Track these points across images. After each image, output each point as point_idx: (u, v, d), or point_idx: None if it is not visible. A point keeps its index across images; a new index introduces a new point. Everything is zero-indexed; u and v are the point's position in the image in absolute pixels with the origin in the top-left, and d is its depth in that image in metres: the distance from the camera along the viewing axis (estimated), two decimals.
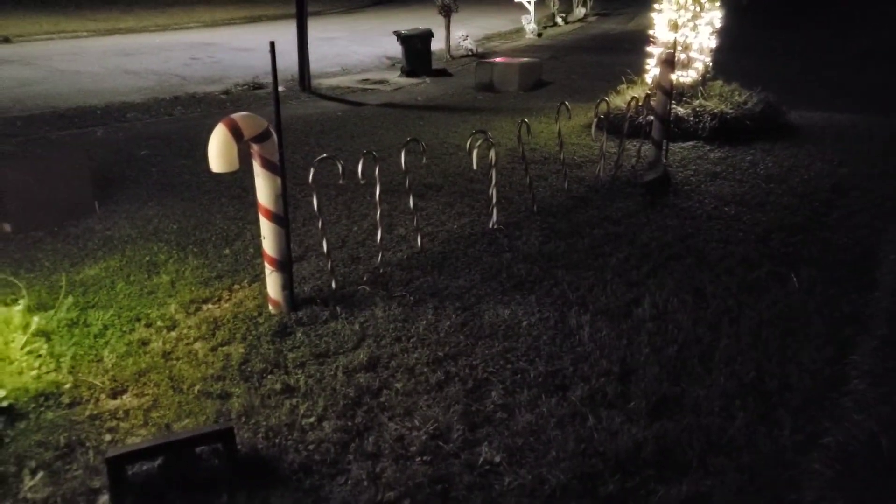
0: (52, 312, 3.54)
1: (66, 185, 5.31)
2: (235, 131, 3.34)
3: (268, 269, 3.72)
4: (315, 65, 11.42)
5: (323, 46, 12.18)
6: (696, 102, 7.26)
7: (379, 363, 3.33)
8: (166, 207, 5.48)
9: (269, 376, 3.19)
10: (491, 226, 4.96)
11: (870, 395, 2.99)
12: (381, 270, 4.29)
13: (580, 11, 19.25)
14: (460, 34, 14.09)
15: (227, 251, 4.63)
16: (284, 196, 3.62)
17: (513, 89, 10.53)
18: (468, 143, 4.75)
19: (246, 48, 14.52)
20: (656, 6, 7.72)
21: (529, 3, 16.33)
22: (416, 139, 4.61)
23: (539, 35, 16.35)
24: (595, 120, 5.72)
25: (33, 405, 2.84)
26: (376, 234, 4.35)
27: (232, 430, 2.57)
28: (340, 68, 12.79)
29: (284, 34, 16.24)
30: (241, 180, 6.09)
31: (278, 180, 3.58)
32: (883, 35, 15.06)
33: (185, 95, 10.35)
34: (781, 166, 6.36)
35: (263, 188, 3.58)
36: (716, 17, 7.57)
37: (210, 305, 3.87)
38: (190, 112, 9.42)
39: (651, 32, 7.86)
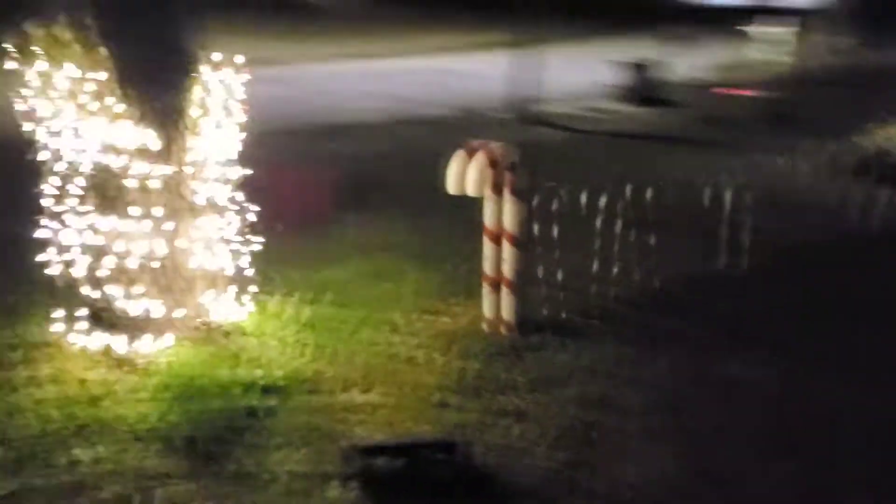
0: (315, 306, 4.00)
1: (318, 194, 5.98)
2: (492, 159, 3.54)
3: (503, 290, 3.87)
4: (536, 91, 11.66)
5: (545, 73, 12.37)
6: None
7: (610, 402, 3.29)
8: (403, 221, 5.90)
9: (500, 397, 3.30)
10: (722, 267, 4.68)
11: None
12: (611, 305, 4.25)
13: (837, 41, 17.49)
14: (690, 64, 13.55)
15: (462, 269, 4.87)
16: (528, 222, 3.76)
17: (748, 123, 9.88)
18: (707, 178, 4.54)
19: (476, 74, 15.25)
20: None
21: (764, 32, 15.22)
22: (657, 176, 4.52)
23: (781, 65, 15.15)
24: (855, 164, 5.16)
25: (300, 389, 3.23)
26: (609, 268, 4.33)
27: (468, 444, 2.70)
28: (561, 95, 12.91)
29: (513, 61, 16.92)
30: (470, 203, 6.38)
31: (524, 206, 3.72)
32: None
33: (417, 118, 11.11)
34: None
35: (509, 213, 3.74)
36: None
37: (447, 318, 4.10)
38: (420, 133, 10.10)
39: None
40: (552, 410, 3.20)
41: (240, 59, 3.46)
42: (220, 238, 3.58)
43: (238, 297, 3.73)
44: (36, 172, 3.50)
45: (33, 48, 3.20)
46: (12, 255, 4.16)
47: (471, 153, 3.54)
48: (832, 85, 13.45)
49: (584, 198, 4.03)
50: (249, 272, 3.81)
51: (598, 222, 4.19)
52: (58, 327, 3.52)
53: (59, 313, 3.52)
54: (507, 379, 3.43)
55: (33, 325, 3.64)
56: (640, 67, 11.69)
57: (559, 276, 4.13)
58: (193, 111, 3.33)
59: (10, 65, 3.31)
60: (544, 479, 2.75)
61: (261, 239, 3.88)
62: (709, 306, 4.20)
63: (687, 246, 5.15)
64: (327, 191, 6.07)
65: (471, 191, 3.59)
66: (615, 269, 4.53)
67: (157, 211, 3.36)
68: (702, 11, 24.17)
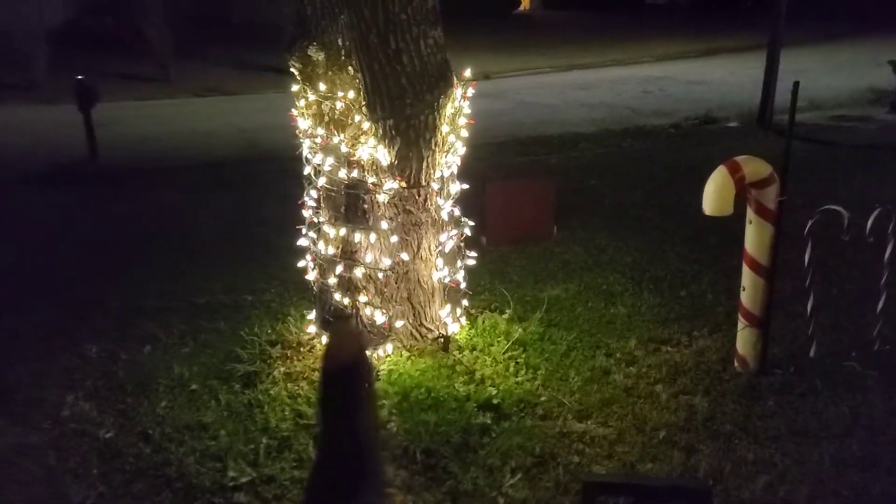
0: (525, 324, 4.00)
1: (529, 208, 6.00)
2: (737, 175, 3.28)
3: (741, 322, 3.55)
4: (777, 98, 10.73)
5: (789, 79, 11.35)
6: None
7: (878, 462, 2.86)
8: (618, 239, 5.73)
9: (738, 441, 3.03)
10: None
11: None
12: (876, 347, 3.71)
13: None
14: None
15: (683, 293, 4.61)
16: (776, 248, 3.42)
17: None
18: None
19: (700, 81, 14.52)
20: None
21: None
22: None
23: None
24: None
25: (514, 409, 3.23)
26: (869, 303, 3.79)
27: (710, 493, 2.49)
28: (808, 103, 11.75)
29: (743, 67, 15.83)
30: (694, 221, 6.04)
31: (771, 230, 3.40)
32: None
33: (634, 128, 10.78)
34: None
35: (753, 237, 3.44)
36: None
37: (669, 348, 3.88)
38: (638, 144, 9.79)
39: None
40: (805, 466, 2.85)
41: (467, 72, 3.57)
42: (446, 251, 3.71)
43: (454, 311, 3.83)
44: (300, 185, 3.89)
45: (313, 69, 3.49)
46: (275, 260, 4.85)
47: (732, 170, 3.30)
48: None
49: (862, 221, 3.55)
50: (464, 286, 3.91)
51: (889, 251, 3.68)
52: (312, 329, 3.91)
53: (313, 316, 3.87)
54: (743, 423, 3.14)
55: (291, 325, 4.07)
56: None
57: (808, 308, 3.69)
58: (444, 127, 3.46)
59: (294, 86, 3.69)
60: None
61: (474, 253, 3.96)
62: None
63: None
64: (548, 206, 6.08)
65: (709, 209, 3.34)
66: (893, 308, 3.97)
67: (403, 224, 3.56)
68: None
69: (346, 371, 1.02)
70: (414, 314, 3.64)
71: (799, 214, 3.81)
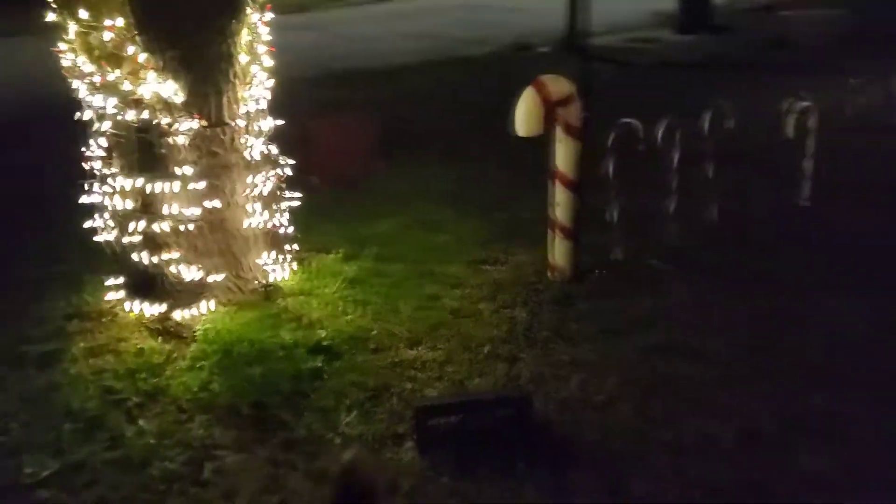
0: (357, 262, 3.90)
1: (357, 145, 5.82)
2: (544, 95, 3.31)
3: (558, 236, 3.68)
4: (582, 24, 11.12)
5: (590, 4, 11.84)
6: None
7: (675, 348, 3.12)
8: (443, 169, 5.73)
9: (555, 345, 3.17)
10: (801, 203, 4.38)
11: None
12: (672, 245, 4.02)
13: None
14: None
15: (502, 215, 4.71)
16: (581, 162, 3.53)
17: (812, 45, 9.21)
18: (784, 107, 4.20)
19: (513, 8, 14.69)
20: None
21: None
22: (721, 101, 4.20)
23: None
24: None
25: (346, 347, 3.14)
26: (668, 205, 4.08)
27: (531, 400, 2.58)
28: (607, 27, 12.32)
29: None
30: (510, 146, 6.16)
31: (579, 146, 3.50)
32: None
33: (455, 58, 10.76)
34: None
35: (563, 154, 3.53)
36: None
37: (489, 266, 3.96)
38: (459, 74, 9.78)
39: None
40: (612, 359, 3.04)
41: None
42: (262, 195, 3.45)
43: (279, 257, 3.63)
44: (82, 132, 3.36)
45: None
46: (62, 220, 4.03)
47: (539, 89, 3.29)
48: None
49: (655, 132, 3.75)
50: (289, 229, 3.70)
51: (675, 158, 3.92)
52: (112, 296, 3.47)
53: (112, 281, 3.45)
54: (559, 328, 3.28)
55: (87, 295, 3.61)
56: None
57: (626, 218, 3.91)
58: (242, 57, 3.10)
59: (50, 14, 3.14)
60: (613, 433, 2.62)
61: (298, 194, 3.75)
62: (789, 243, 3.94)
63: (758, 180, 4.85)
64: (367, 140, 5.91)
65: (522, 130, 3.37)
66: (685, 209, 4.30)
67: (210, 168, 3.21)
68: None
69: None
70: (232, 265, 3.37)
71: (601, 130, 3.98)
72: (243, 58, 3.15)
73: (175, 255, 3.19)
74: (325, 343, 3.12)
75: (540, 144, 6.09)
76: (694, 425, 2.63)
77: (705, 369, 2.94)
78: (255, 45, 3.25)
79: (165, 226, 3.16)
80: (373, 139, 6.04)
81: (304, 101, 8.14)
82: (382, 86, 9.09)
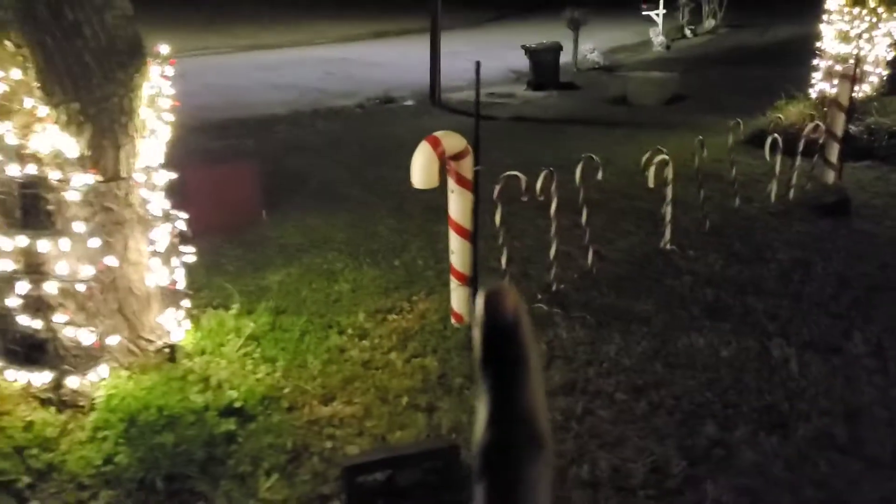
0: (254, 317, 3.70)
1: (235, 193, 5.59)
2: (438, 149, 3.39)
3: (454, 283, 3.73)
4: (443, 79, 11.57)
5: (449, 61, 12.26)
6: (871, 119, 6.74)
7: (576, 387, 3.24)
8: (330, 217, 5.65)
9: (468, 392, 3.18)
10: (663, 245, 4.78)
11: None
12: (554, 288, 4.21)
13: (710, 23, 18.50)
14: (587, 47, 13.88)
15: (397, 262, 4.71)
16: (476, 213, 3.63)
17: (648, 103, 10.21)
18: (643, 158, 4.60)
19: (376, 63, 14.97)
20: (825, 17, 7.25)
21: (658, 15, 15.87)
22: (591, 156, 4.51)
23: (668, 48, 15.84)
24: (770, 138, 5.40)
25: (259, 407, 2.96)
26: (545, 251, 4.28)
27: (458, 449, 2.56)
28: (467, 83, 12.89)
29: (411, 50, 16.68)
30: (395, 193, 6.23)
31: (471, 197, 3.59)
32: None
33: (324, 109, 10.73)
34: None
35: (457, 204, 3.61)
36: (895, 28, 7.02)
37: (394, 316, 3.92)
38: (330, 125, 9.76)
39: (818, 45, 7.39)
40: None
41: (164, 48, 3.08)
42: (158, 251, 3.19)
43: (177, 315, 3.35)
44: None
45: None
46: None
47: (434, 144, 3.35)
48: (728, 64, 14.24)
49: (534, 183, 3.92)
50: (182, 286, 3.45)
51: (553, 207, 4.12)
52: None
53: None
54: (469, 373, 3.30)
55: None
56: (543, 52, 11.81)
57: (503, 262, 4.04)
58: (143, 110, 2.90)
59: None
60: None
61: (191, 249, 3.51)
62: (655, 284, 4.26)
63: (623, 225, 5.23)
64: (249, 190, 5.70)
65: (418, 182, 3.41)
66: (566, 253, 4.52)
67: (103, 224, 2.94)
68: None
69: (509, 328, 0.80)
70: (129, 326, 3.08)
71: (486, 181, 4.13)
72: (144, 111, 2.94)
73: (65, 317, 2.85)
74: (236, 405, 2.92)
75: (423, 194, 6.21)
76: (606, 461, 2.74)
77: (606, 407, 3.09)
78: (157, 98, 3.05)
79: (53, 287, 2.82)
80: (254, 189, 5.84)
81: (180, 152, 7.72)
82: (257, 135, 8.85)
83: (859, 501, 2.50)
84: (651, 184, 4.64)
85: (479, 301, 0.85)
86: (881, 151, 6.52)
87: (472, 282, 3.72)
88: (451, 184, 3.58)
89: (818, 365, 3.34)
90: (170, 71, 3.13)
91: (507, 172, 4.05)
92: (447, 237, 4.91)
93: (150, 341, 3.13)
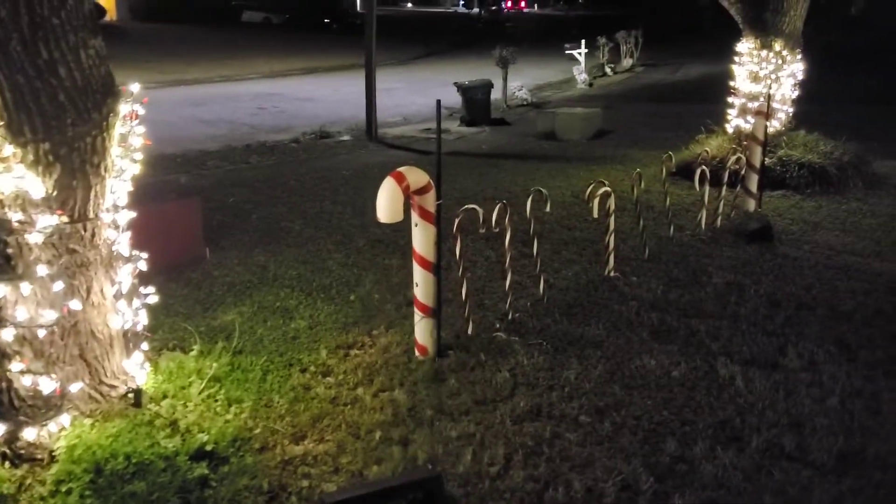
0: (212, 357, 3.63)
1: (176, 231, 5.46)
2: (403, 184, 3.47)
3: (418, 315, 3.79)
4: (378, 114, 11.73)
5: (383, 97, 12.49)
6: (781, 152, 7.32)
7: (541, 412, 3.35)
8: (276, 254, 5.60)
9: (440, 423, 3.23)
10: (607, 273, 5.01)
11: None
12: (510, 317, 4.34)
13: (628, 62, 19.61)
14: (515, 85, 14.41)
15: (352, 297, 4.72)
16: (439, 246, 3.72)
17: (575, 138, 10.68)
18: (588, 191, 4.83)
19: (308, 98, 14.99)
20: (736, 59, 7.87)
21: (580, 54, 16.69)
22: (540, 189, 4.71)
23: (590, 85, 16.65)
24: (699, 170, 5.79)
25: (231, 450, 2.89)
26: (497, 281, 4.42)
27: (440, 478, 2.60)
28: (402, 118, 13.12)
29: (343, 85, 16.84)
30: (339, 227, 6.25)
31: (434, 230, 3.69)
32: None
33: (257, 144, 10.65)
34: (882, 215, 6.37)
35: (421, 238, 3.69)
36: (798, 69, 7.69)
37: (357, 351, 3.94)
38: (265, 160, 9.69)
39: (732, 83, 7.99)
40: (494, 430, 3.18)
41: (135, 87, 3.05)
42: (123, 292, 3.09)
43: (139, 358, 3.24)
44: None
45: None
46: None
47: (399, 180, 3.43)
48: (646, 100, 15.07)
49: (494, 217, 4.06)
50: (139, 328, 3.35)
51: (507, 238, 4.26)
52: None
53: None
54: (439, 405, 3.36)
55: None
56: (474, 89, 12.17)
57: (463, 294, 4.13)
58: (115, 150, 2.83)
59: None
60: (512, 500, 2.72)
61: (152, 289, 3.43)
62: (604, 309, 4.45)
63: (565, 254, 5.45)
64: (191, 227, 5.58)
65: (384, 217, 3.48)
66: (517, 282, 4.66)
67: (66, 267, 2.83)
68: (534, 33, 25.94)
69: None
70: (91, 372, 2.96)
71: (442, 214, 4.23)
72: (115, 150, 2.89)
73: (21, 365, 2.71)
74: (207, 448, 2.85)
75: (369, 227, 6.24)
76: (579, 482, 2.84)
77: (573, 430, 3.20)
78: (129, 137, 3.00)
79: (9, 334, 2.68)
80: (195, 226, 5.72)
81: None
82: (189, 172, 8.68)
83: None
84: (595, 214, 4.88)
85: None
86: (793, 181, 7.09)
87: (435, 313, 3.79)
88: (415, 217, 3.66)
89: (761, 380, 3.59)
90: (141, 110, 3.09)
91: (466, 206, 4.18)
92: (400, 270, 5.00)
93: (114, 387, 3.02)
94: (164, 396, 3.20)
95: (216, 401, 3.25)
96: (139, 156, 3.16)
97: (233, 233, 6.16)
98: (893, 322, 4.23)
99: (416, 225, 3.69)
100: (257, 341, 4.02)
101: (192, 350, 3.64)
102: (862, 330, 4.13)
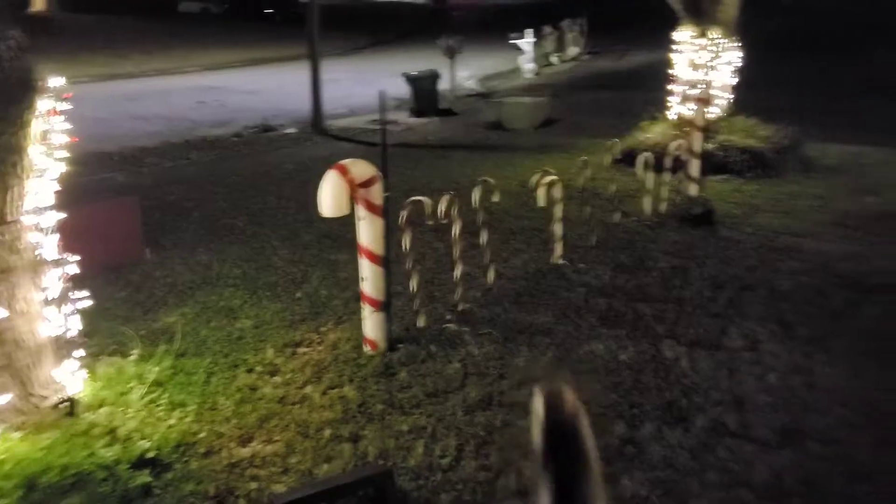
0: (154, 361, 3.52)
1: (113, 231, 5.28)
2: (347, 177, 3.43)
3: (367, 309, 3.76)
4: (324, 106, 11.56)
5: (328, 88, 12.30)
6: (722, 137, 7.52)
7: (492, 401, 3.37)
8: (219, 252, 5.48)
9: (391, 417, 3.22)
10: (555, 260, 5.06)
11: None
12: (460, 308, 4.35)
13: (573, 51, 19.80)
14: (463, 74, 14.40)
15: (299, 294, 4.65)
16: (387, 239, 3.70)
17: (522, 127, 10.74)
18: (534, 179, 4.87)
19: (251, 90, 14.66)
20: (675, 47, 8.04)
21: (526, 43, 16.78)
22: (487, 179, 4.72)
23: (537, 74, 16.77)
24: (642, 157, 5.90)
25: (174, 455, 2.82)
26: (446, 273, 4.43)
27: (391, 473, 2.59)
28: (349, 110, 12.96)
29: (287, 77, 16.52)
30: (284, 223, 6.15)
31: (382, 223, 3.66)
32: (881, 64, 15.74)
33: (198, 139, 10.38)
34: (817, 197, 6.61)
35: (367, 231, 3.65)
36: (734, 56, 7.91)
37: (304, 348, 3.88)
38: (206, 155, 9.45)
39: (671, 71, 8.17)
40: (445, 421, 3.19)
41: (59, 80, 2.91)
42: (52, 298, 2.96)
43: (71, 365, 3.12)
44: None
45: None
46: None
47: (342, 172, 3.38)
48: (591, 88, 15.26)
49: (441, 209, 4.04)
50: (74, 334, 3.22)
51: (456, 230, 4.26)
52: None
53: None
54: (389, 399, 3.34)
55: None
56: (422, 79, 12.12)
57: (413, 286, 4.12)
58: (33, 149, 2.69)
59: None
60: (465, 491, 2.73)
61: (87, 293, 3.30)
62: (552, 297, 4.50)
63: (513, 243, 5.48)
64: (129, 226, 5.40)
65: (327, 211, 3.43)
66: (467, 273, 4.66)
67: None
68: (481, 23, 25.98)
69: (570, 427, 0.83)
70: (19, 383, 2.83)
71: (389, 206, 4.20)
72: (34, 149, 2.76)
73: None
74: (149, 455, 2.77)
75: (314, 221, 6.15)
76: (530, 469, 2.87)
77: (523, 417, 3.23)
78: (49, 135, 2.87)
79: None
80: (134, 225, 5.55)
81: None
82: (126, 169, 8.40)
83: (755, 480, 2.79)
84: (542, 203, 4.92)
85: (539, 401, 0.92)
86: (734, 166, 7.29)
87: (385, 307, 3.77)
88: (361, 211, 3.62)
89: (705, 361, 3.69)
90: (63, 106, 2.96)
91: (413, 198, 4.16)
92: (348, 265, 4.94)
93: (44, 397, 2.90)
94: (103, 404, 3.10)
95: (158, 406, 3.16)
96: (64, 154, 3.03)
97: (174, 232, 5.99)
98: (829, 299, 4.41)
99: (363, 218, 3.65)
100: (201, 343, 3.93)
101: (132, 354, 3.53)
102: (800, 308, 4.29)
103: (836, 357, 3.71)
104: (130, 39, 21.35)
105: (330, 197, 3.42)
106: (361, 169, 3.53)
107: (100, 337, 3.80)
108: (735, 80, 8.04)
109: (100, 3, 26.39)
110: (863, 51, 17.27)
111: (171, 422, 3.05)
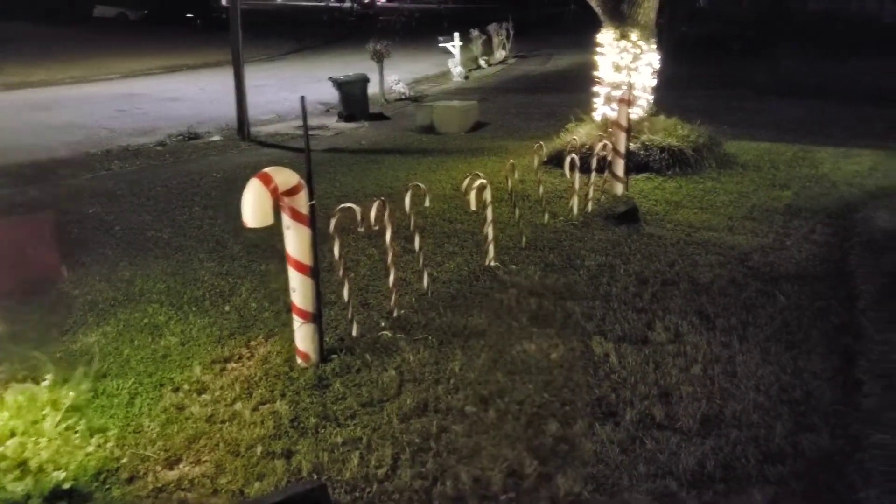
0: (72, 386, 3.35)
1: (33, 248, 5.03)
2: (271, 186, 3.35)
3: (298, 321, 3.69)
4: (250, 112, 11.30)
5: (254, 94, 12.05)
6: (644, 137, 7.77)
7: (428, 407, 3.36)
8: (143, 267, 5.27)
9: (325, 430, 3.16)
10: (488, 263, 5.11)
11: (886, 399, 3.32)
12: (395, 314, 4.32)
13: (500, 54, 20.06)
14: (392, 78, 14.36)
15: (227, 307, 4.52)
16: (315, 248, 3.63)
17: (453, 130, 10.81)
18: (464, 184, 4.89)
19: (173, 97, 14.17)
20: (598, 49, 8.25)
21: (454, 46, 16.89)
22: (418, 184, 4.71)
23: (466, 78, 16.90)
24: (569, 158, 6.02)
25: (94, 485, 2.68)
26: (380, 280, 4.40)
27: (325, 487, 2.54)
28: (275, 115, 12.72)
29: (210, 83, 16.08)
30: (210, 234, 5.98)
31: (309, 232, 3.59)
32: (788, 66, 16.60)
33: (118, 148, 9.97)
34: (733, 193, 6.91)
35: (294, 240, 3.58)
36: (654, 58, 8.18)
37: (234, 364, 3.77)
38: (128, 166, 9.08)
39: (596, 73, 8.38)
40: (380, 430, 3.15)
41: None
42: None
43: None
44: None
45: None
46: None
47: (265, 181, 3.30)
48: (519, 91, 15.48)
49: (372, 215, 4.00)
50: None
51: (388, 236, 4.22)
52: None
53: None
54: (323, 412, 3.29)
55: None
56: (351, 84, 12.01)
57: (345, 295, 4.07)
58: None
59: None
60: (401, 500, 2.71)
61: None
62: (485, 299, 4.53)
63: (447, 247, 5.49)
64: (44, 242, 5.13)
65: (250, 221, 3.34)
66: (401, 278, 4.63)
67: None
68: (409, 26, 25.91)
69: None
70: None
71: (318, 213, 4.13)
72: None
73: None
74: (65, 486, 2.62)
75: (247, 229, 6.01)
76: (466, 473, 2.88)
77: (459, 422, 3.24)
78: None
79: None
80: (47, 242, 5.27)
81: None
82: (40, 183, 7.97)
83: (681, 469, 2.88)
84: (473, 207, 4.95)
85: None
86: (656, 164, 7.54)
87: (316, 318, 3.70)
88: (287, 220, 3.54)
89: (633, 356, 3.79)
90: None
91: (342, 205, 4.10)
92: (279, 276, 4.84)
93: None
94: (12, 434, 2.91)
95: (76, 433, 3.00)
96: None
97: (94, 247, 5.72)
98: (744, 290, 4.61)
99: (289, 228, 3.58)
100: (124, 363, 3.76)
101: (45, 379, 3.34)
102: (718, 300, 4.47)
103: (751, 345, 3.88)
104: (43, 46, 20.32)
105: (253, 206, 3.33)
106: (286, 177, 3.46)
107: (10, 363, 3.58)
108: (655, 82, 8.32)
109: (8, 9, 24.98)
110: (772, 55, 18.22)
111: (90, 449, 2.90)
